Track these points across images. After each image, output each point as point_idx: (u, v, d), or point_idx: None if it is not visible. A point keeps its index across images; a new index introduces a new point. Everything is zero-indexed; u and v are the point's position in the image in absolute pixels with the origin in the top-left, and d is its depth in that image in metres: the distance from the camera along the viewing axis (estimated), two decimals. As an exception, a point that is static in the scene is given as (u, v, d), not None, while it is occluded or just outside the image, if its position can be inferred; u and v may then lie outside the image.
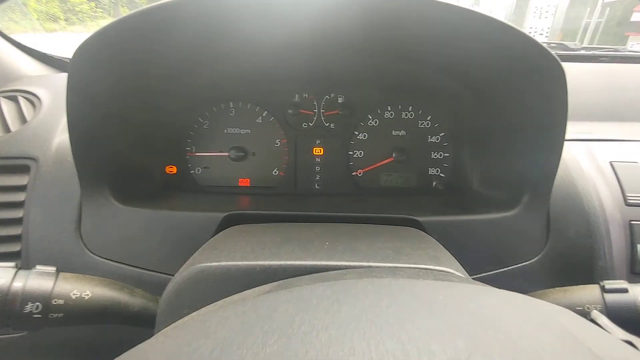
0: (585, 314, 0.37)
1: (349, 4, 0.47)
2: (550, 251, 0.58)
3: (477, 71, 0.59)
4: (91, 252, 0.56)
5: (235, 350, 0.21)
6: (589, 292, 0.39)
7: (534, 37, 0.45)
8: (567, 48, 1.08)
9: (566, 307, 0.28)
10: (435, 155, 0.77)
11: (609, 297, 0.38)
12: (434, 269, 0.36)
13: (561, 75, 0.47)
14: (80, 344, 0.59)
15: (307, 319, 0.23)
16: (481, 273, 0.57)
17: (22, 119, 0.64)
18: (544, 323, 0.23)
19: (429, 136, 0.77)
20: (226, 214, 0.56)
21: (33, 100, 0.67)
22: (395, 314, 0.23)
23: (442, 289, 0.27)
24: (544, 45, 0.45)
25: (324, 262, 0.37)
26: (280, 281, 0.33)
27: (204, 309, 0.32)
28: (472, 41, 0.50)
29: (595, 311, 0.36)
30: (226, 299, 0.32)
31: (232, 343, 0.22)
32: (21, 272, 0.37)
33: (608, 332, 0.28)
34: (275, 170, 0.78)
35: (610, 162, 0.63)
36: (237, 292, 0.33)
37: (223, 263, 0.37)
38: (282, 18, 0.50)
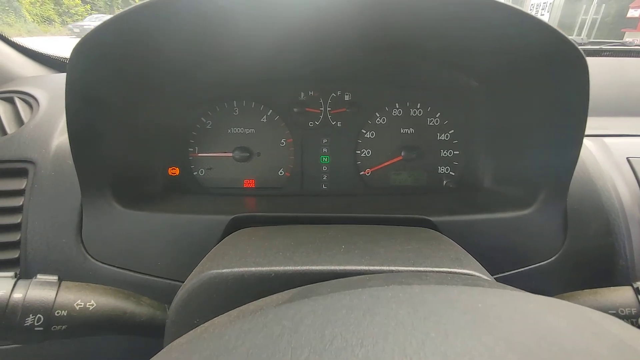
0: (620, 317, 0.36)
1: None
2: (569, 250, 0.56)
3: (489, 63, 0.58)
4: (93, 258, 0.54)
5: None
6: (621, 294, 0.37)
7: (558, 30, 0.43)
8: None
9: (599, 310, 0.26)
10: (445, 153, 0.75)
11: None
12: (459, 272, 0.34)
13: (584, 66, 0.45)
14: (84, 355, 0.57)
15: (338, 332, 0.21)
16: (498, 274, 0.55)
17: (19, 121, 0.62)
18: (596, 333, 0.21)
19: (439, 134, 0.75)
20: (233, 216, 0.54)
21: (30, 101, 0.65)
22: (435, 327, 0.21)
23: (479, 296, 0.25)
24: (567, 35, 0.43)
25: (343, 267, 0.35)
26: (299, 288, 0.31)
27: (218, 319, 0.30)
28: (482, 31, 0.48)
29: None
30: (241, 307, 0.30)
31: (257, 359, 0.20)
32: (21, 282, 0.35)
33: None
34: (281, 171, 0.76)
35: (627, 157, 0.61)
36: (251, 301, 0.31)
37: (235, 269, 0.35)
38: (285, 14, 0.49)
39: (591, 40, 1.11)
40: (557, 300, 0.26)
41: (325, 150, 0.76)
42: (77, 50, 0.44)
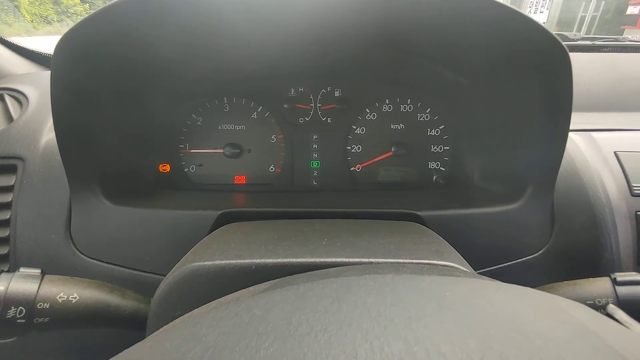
0: (596, 308, 0.36)
1: None
2: (555, 244, 0.56)
3: (478, 60, 0.58)
4: (82, 254, 0.54)
5: (228, 354, 0.19)
6: (599, 285, 0.38)
7: (544, 26, 0.43)
8: (566, 38, 1.06)
9: (576, 301, 0.26)
10: (435, 149, 0.75)
11: (621, 289, 0.36)
12: (438, 264, 0.34)
13: (567, 62, 0.45)
14: (71, 348, 0.58)
15: (304, 319, 0.21)
16: (485, 267, 0.56)
17: (9, 118, 0.62)
18: (560, 319, 0.22)
19: (428, 129, 0.75)
20: (221, 211, 0.54)
21: (20, 98, 0.65)
22: (400, 313, 0.21)
23: (449, 284, 0.25)
24: (554, 34, 0.43)
25: (322, 259, 0.35)
26: (276, 280, 0.31)
27: (196, 311, 0.30)
28: (473, 27, 0.48)
29: (611, 305, 0.34)
30: (220, 299, 0.31)
31: (224, 347, 0.20)
32: (4, 275, 0.35)
33: (627, 327, 0.27)
34: (271, 167, 0.76)
35: (615, 152, 0.61)
36: (232, 292, 0.32)
37: (217, 262, 0.35)
38: (276, 11, 0.49)
39: (584, 36, 1.11)
40: (530, 290, 0.26)
41: (315, 146, 0.76)
42: (60, 46, 0.45)
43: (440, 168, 0.76)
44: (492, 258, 0.56)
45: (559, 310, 0.23)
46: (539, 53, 0.47)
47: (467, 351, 0.18)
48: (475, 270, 0.39)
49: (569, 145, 0.51)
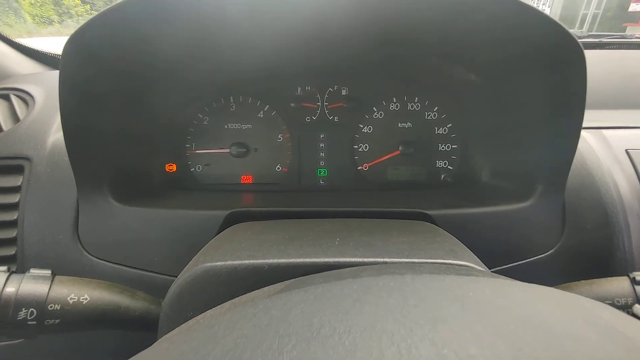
0: (616, 307, 0.35)
1: None
2: (567, 243, 0.56)
3: (490, 57, 0.57)
4: (90, 254, 0.54)
5: (249, 357, 0.19)
6: (618, 285, 0.37)
7: (557, 21, 0.43)
8: (572, 36, 1.05)
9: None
10: (443, 148, 0.75)
11: None
12: (454, 264, 0.34)
13: (582, 59, 0.45)
14: (80, 350, 0.57)
15: (326, 320, 0.21)
16: (496, 266, 0.55)
17: (15, 118, 0.61)
18: (587, 320, 0.21)
19: (436, 128, 0.75)
20: (229, 211, 0.54)
21: (26, 98, 0.64)
22: (425, 314, 0.21)
23: (470, 284, 0.25)
24: (567, 29, 0.43)
25: (336, 259, 0.34)
26: (291, 280, 0.31)
27: (209, 312, 0.30)
28: (486, 24, 0.48)
29: (637, 305, 0.33)
30: (234, 300, 0.30)
31: (244, 349, 0.19)
32: (14, 276, 0.35)
33: None
34: (278, 167, 0.75)
35: (626, 150, 0.61)
36: (245, 293, 0.31)
37: (229, 262, 0.35)
38: (282, 10, 0.48)
39: (591, 33, 1.10)
40: (549, 289, 0.26)
41: (322, 145, 0.75)
42: (68, 46, 0.44)
43: (448, 167, 0.75)
44: (503, 257, 0.56)
45: (585, 310, 0.23)
46: (554, 49, 0.46)
47: (497, 353, 0.17)
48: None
49: (580, 143, 0.51)
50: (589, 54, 0.45)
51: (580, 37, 1.04)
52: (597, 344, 0.19)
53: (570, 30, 0.44)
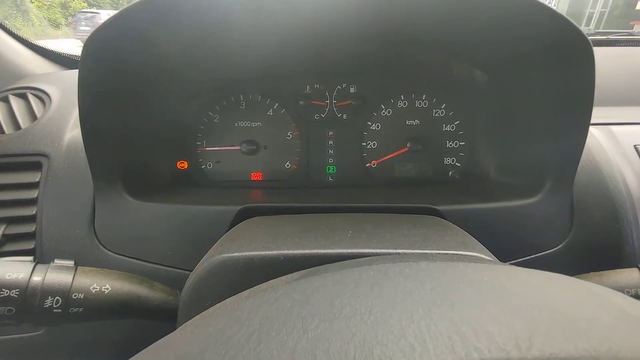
0: None
1: None
2: (575, 238, 0.56)
3: (499, 54, 0.57)
4: (106, 248, 0.55)
5: (275, 336, 0.20)
6: (627, 276, 0.37)
7: (567, 17, 0.43)
8: (580, 33, 1.05)
9: None
10: (451, 144, 0.75)
11: None
12: (466, 254, 0.34)
13: (591, 55, 0.45)
14: (97, 341, 0.59)
15: (347, 302, 0.22)
16: (505, 262, 0.55)
17: (32, 116, 0.63)
18: (600, 304, 0.22)
19: (444, 125, 0.75)
20: (241, 207, 0.55)
21: (42, 97, 0.66)
22: (442, 296, 0.21)
23: (485, 270, 0.26)
24: (573, 22, 0.43)
25: (350, 250, 0.35)
26: (309, 269, 0.32)
27: (230, 299, 0.31)
28: (496, 21, 0.48)
29: None
30: (252, 288, 0.31)
31: (270, 329, 0.20)
32: (39, 266, 0.36)
33: None
34: (287, 163, 0.76)
35: (635, 145, 0.61)
36: (262, 283, 0.32)
37: (245, 253, 0.36)
38: (290, 9, 0.49)
39: (599, 30, 1.10)
40: (562, 276, 0.26)
41: (331, 142, 0.76)
42: (86, 47, 0.46)
43: (456, 163, 0.76)
44: (511, 252, 0.56)
45: (596, 295, 0.23)
46: (563, 46, 0.47)
47: (514, 331, 0.18)
48: None
49: (588, 139, 0.51)
50: (596, 51, 0.46)
51: (588, 35, 1.04)
52: (611, 325, 0.20)
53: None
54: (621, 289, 0.36)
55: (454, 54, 0.63)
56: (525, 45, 0.51)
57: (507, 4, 0.45)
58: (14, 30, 0.78)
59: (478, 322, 0.19)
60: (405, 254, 0.34)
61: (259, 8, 0.49)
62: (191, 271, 0.38)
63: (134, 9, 0.45)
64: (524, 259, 0.56)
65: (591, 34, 1.04)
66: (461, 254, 0.35)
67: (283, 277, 0.32)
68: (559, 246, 0.56)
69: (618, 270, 0.39)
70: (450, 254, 0.35)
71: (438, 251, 0.35)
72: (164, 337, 0.25)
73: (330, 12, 0.51)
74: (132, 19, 0.46)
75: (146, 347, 0.24)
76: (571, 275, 0.43)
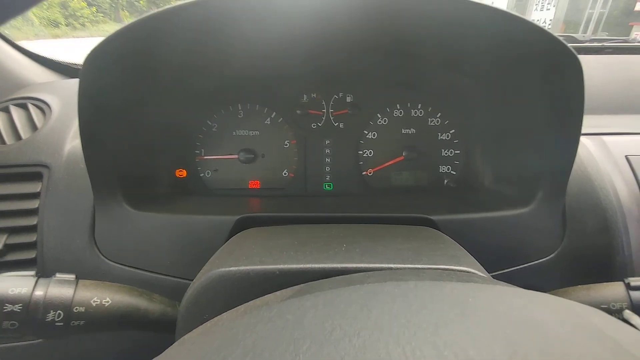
0: (611, 312, 0.37)
1: (352, 2, 0.46)
2: (567, 248, 0.57)
3: (488, 66, 0.59)
4: (106, 258, 0.56)
5: (268, 357, 0.21)
6: (613, 290, 0.39)
7: (547, 29, 0.44)
8: (574, 40, 1.06)
9: (590, 305, 0.27)
10: (446, 153, 0.76)
11: (635, 294, 0.37)
12: (455, 269, 0.35)
13: (578, 67, 0.46)
14: (98, 350, 0.60)
15: (337, 324, 0.23)
16: (497, 271, 0.57)
17: (33, 127, 0.64)
18: (579, 325, 0.23)
19: (439, 134, 0.76)
20: (239, 217, 0.56)
21: (43, 107, 0.67)
22: (427, 319, 0.22)
23: (470, 291, 0.27)
24: (559, 37, 0.44)
25: (343, 265, 0.36)
26: (302, 285, 0.33)
27: (226, 314, 0.32)
28: (482, 35, 0.50)
29: (627, 311, 0.35)
30: (248, 303, 0.32)
31: (263, 350, 0.21)
32: (41, 280, 0.37)
33: None
34: (285, 172, 0.77)
35: (626, 155, 0.62)
36: (257, 297, 0.33)
37: (242, 267, 0.37)
38: (286, 18, 0.50)
39: (593, 37, 1.11)
40: (545, 295, 0.28)
41: (327, 151, 0.77)
42: (88, 59, 0.47)
43: (451, 172, 0.77)
44: (504, 261, 0.57)
45: (576, 315, 0.24)
46: (544, 56, 0.48)
47: (493, 355, 0.19)
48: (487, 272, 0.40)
49: (580, 148, 0.52)
50: (590, 58, 0.47)
51: (582, 42, 1.05)
52: (585, 347, 0.21)
53: (572, 35, 0.46)
54: (607, 303, 0.37)
55: (446, 64, 0.64)
56: (508, 56, 0.53)
57: (483, 15, 0.46)
58: (12, 38, 0.79)
59: (460, 346, 0.20)
60: (396, 269, 0.35)
61: (258, 18, 0.50)
62: (190, 280, 0.39)
63: (136, 26, 0.46)
64: (517, 267, 0.57)
65: (585, 41, 1.05)
66: (451, 269, 0.36)
67: (278, 293, 0.33)
68: (551, 255, 0.58)
69: (605, 284, 0.40)
70: (440, 268, 0.36)
71: (429, 266, 0.36)
72: (161, 354, 0.26)
73: (328, 24, 0.52)
74: (133, 35, 0.47)
75: (145, 356, 0.25)
76: (562, 285, 0.45)
